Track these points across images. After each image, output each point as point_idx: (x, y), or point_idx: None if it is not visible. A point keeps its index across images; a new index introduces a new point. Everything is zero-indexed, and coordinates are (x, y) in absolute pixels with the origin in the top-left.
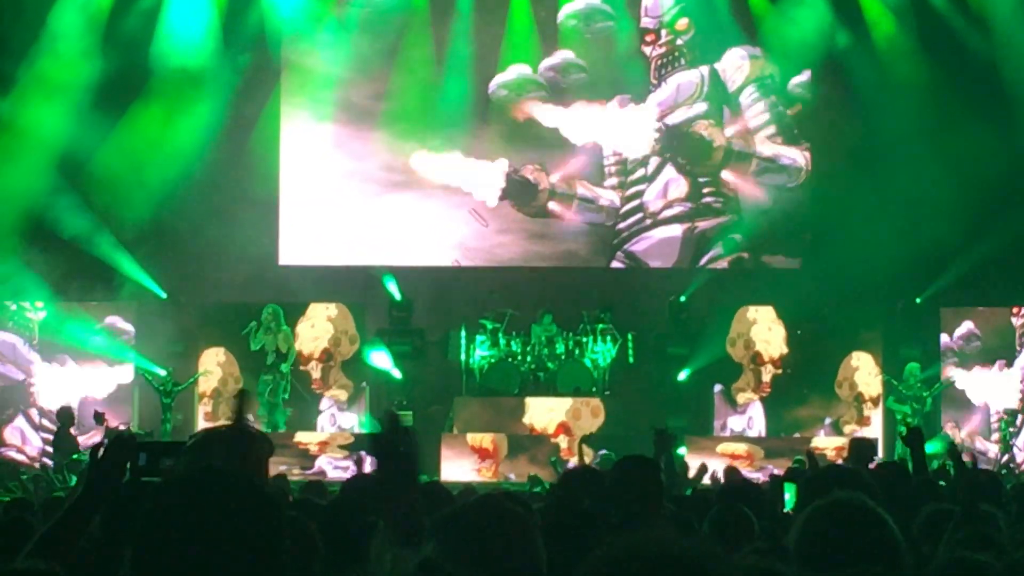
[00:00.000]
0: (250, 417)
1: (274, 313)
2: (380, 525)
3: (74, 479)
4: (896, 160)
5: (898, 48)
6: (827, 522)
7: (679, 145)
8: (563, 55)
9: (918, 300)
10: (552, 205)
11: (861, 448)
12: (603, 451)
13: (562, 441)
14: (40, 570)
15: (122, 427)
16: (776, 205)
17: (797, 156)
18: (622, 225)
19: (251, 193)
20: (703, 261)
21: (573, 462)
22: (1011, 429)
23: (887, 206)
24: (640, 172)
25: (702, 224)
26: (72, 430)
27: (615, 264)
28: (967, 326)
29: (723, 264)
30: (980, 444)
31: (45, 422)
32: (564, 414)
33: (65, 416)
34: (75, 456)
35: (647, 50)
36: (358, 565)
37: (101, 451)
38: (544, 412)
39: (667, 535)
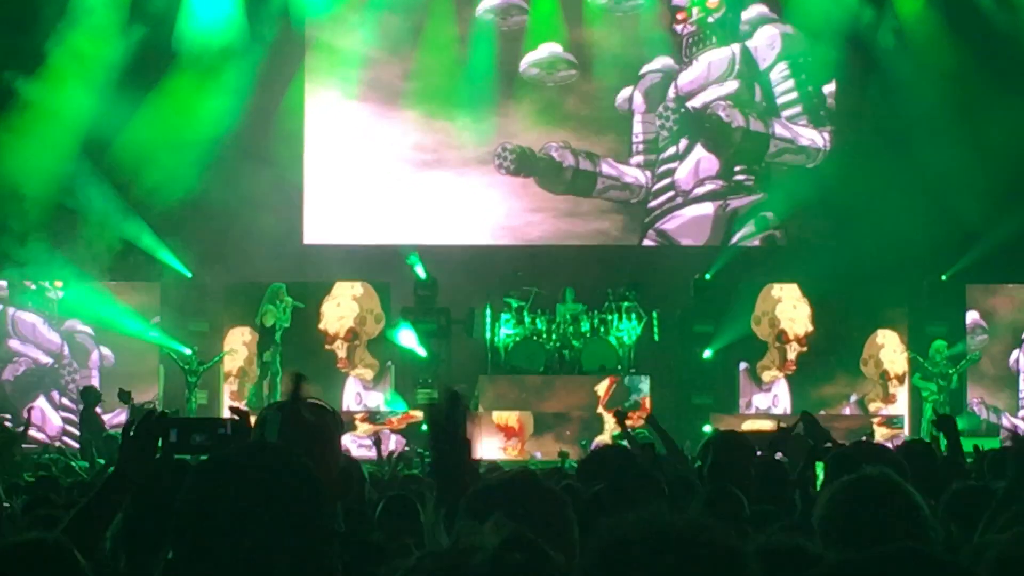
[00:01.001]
0: (307, 398)
1: (277, 290)
2: (430, 498)
3: (101, 461)
4: (923, 137)
5: (925, 25)
6: (853, 498)
7: (698, 127)
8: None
9: (944, 277)
10: (576, 183)
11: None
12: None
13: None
14: (46, 541)
15: (148, 406)
16: (806, 183)
17: (815, 137)
18: (653, 203)
19: (276, 172)
20: (735, 239)
21: (598, 440)
22: None
23: (914, 183)
24: (672, 150)
25: (734, 202)
26: (97, 409)
27: (646, 243)
28: (972, 316)
29: (755, 242)
30: (1007, 420)
31: (65, 401)
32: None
33: (91, 395)
34: (105, 433)
35: (678, 28)
36: (412, 535)
37: (132, 429)
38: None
39: (668, 513)
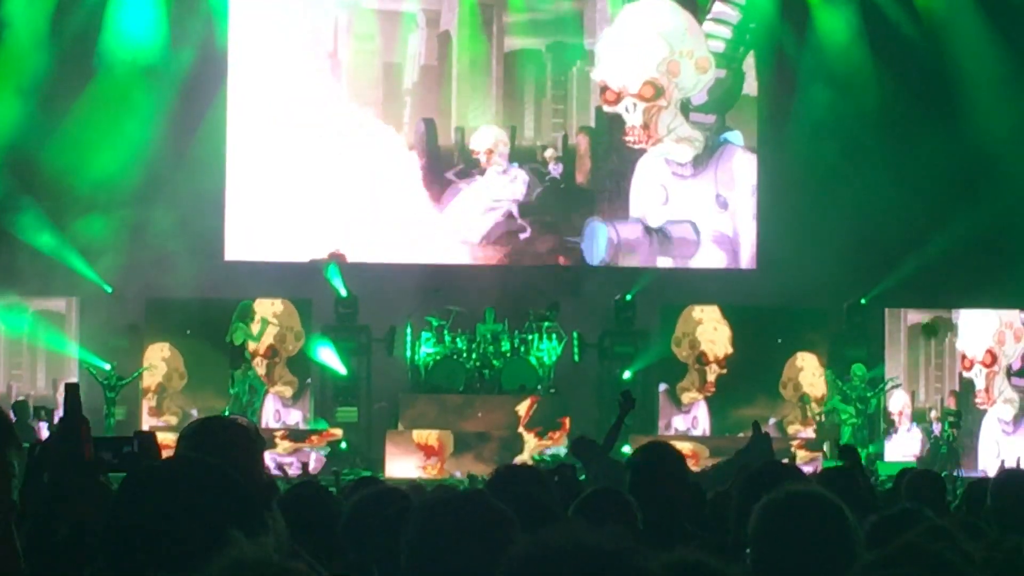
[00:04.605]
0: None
1: (247, 307)
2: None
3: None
4: (844, 161)
5: (846, 47)
6: (786, 513)
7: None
8: None
9: (863, 301)
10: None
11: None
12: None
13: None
14: None
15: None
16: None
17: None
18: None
19: (198, 188)
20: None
21: (518, 460)
22: (952, 431)
23: (835, 207)
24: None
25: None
26: (30, 422)
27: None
28: None
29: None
30: None
31: None
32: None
33: (21, 410)
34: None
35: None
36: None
37: (38, 449)
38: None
39: (580, 529)
